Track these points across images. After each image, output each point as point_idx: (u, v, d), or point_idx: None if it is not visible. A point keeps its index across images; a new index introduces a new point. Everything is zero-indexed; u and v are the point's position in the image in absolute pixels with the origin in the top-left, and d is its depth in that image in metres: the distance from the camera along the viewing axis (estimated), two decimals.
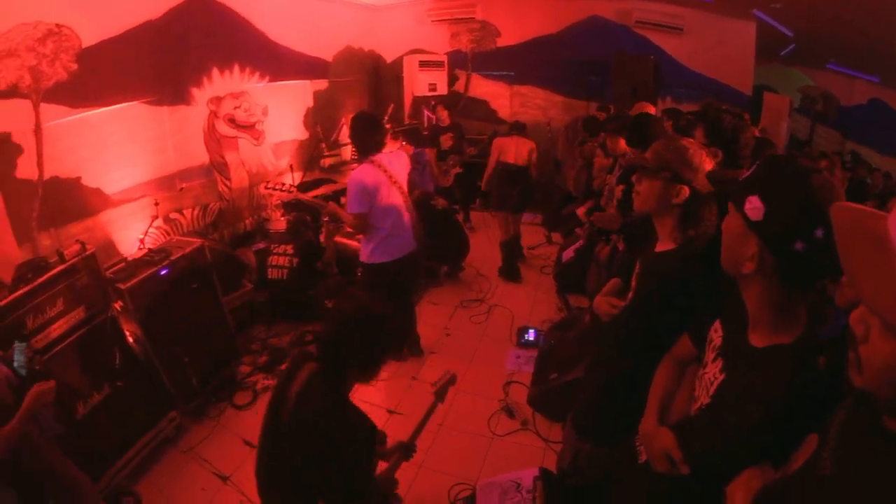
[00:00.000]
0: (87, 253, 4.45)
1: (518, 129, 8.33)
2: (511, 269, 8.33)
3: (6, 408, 3.10)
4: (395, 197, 5.43)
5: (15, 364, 3.32)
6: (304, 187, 8.30)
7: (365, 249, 5.54)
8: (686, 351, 2.38)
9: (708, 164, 2.60)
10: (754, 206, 1.66)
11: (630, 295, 2.90)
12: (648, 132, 4.16)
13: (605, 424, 3.08)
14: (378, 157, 5.33)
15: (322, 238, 7.44)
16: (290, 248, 6.99)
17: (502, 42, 11.59)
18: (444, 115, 9.99)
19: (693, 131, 3.56)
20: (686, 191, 2.53)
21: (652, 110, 6.08)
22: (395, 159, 5.51)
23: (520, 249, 8.76)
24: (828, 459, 1.40)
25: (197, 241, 5.51)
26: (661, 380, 2.44)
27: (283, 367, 3.06)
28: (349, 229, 6.30)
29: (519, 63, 11.55)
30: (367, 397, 5.47)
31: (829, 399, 1.65)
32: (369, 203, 5.21)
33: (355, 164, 8.73)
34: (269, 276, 6.98)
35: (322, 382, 2.74)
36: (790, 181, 1.64)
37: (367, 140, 5.34)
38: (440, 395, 3.64)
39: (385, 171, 5.33)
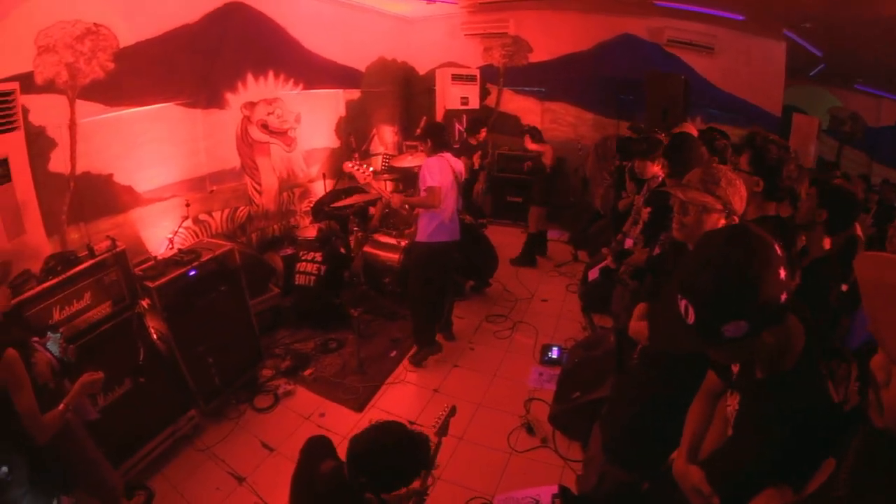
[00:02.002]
0: (118, 249, 4.49)
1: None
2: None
3: (49, 391, 3.17)
4: (454, 187, 6.10)
5: (50, 353, 3.36)
6: (335, 196, 8.34)
7: (426, 229, 5.98)
8: (715, 383, 2.41)
9: (744, 193, 2.70)
10: (735, 328, 1.67)
11: None
12: (687, 155, 4.13)
13: (638, 450, 3.08)
14: (445, 154, 5.97)
15: (352, 246, 7.48)
16: (318, 256, 7.06)
17: (534, 58, 11.55)
18: (482, 137, 9.99)
19: (738, 158, 3.54)
20: (736, 221, 2.63)
21: (693, 131, 6.03)
22: (457, 162, 6.24)
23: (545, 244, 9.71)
24: (844, 482, 1.42)
25: (228, 245, 5.56)
26: (694, 417, 2.47)
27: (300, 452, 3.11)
28: (416, 210, 6.39)
29: (550, 79, 11.51)
30: (389, 407, 5.53)
31: (840, 418, 1.71)
32: (441, 180, 5.83)
33: (386, 175, 8.92)
34: (297, 282, 7.04)
35: (344, 484, 2.78)
36: (743, 295, 1.65)
37: (441, 138, 6.08)
38: (441, 432, 3.62)
39: (450, 165, 6.05)
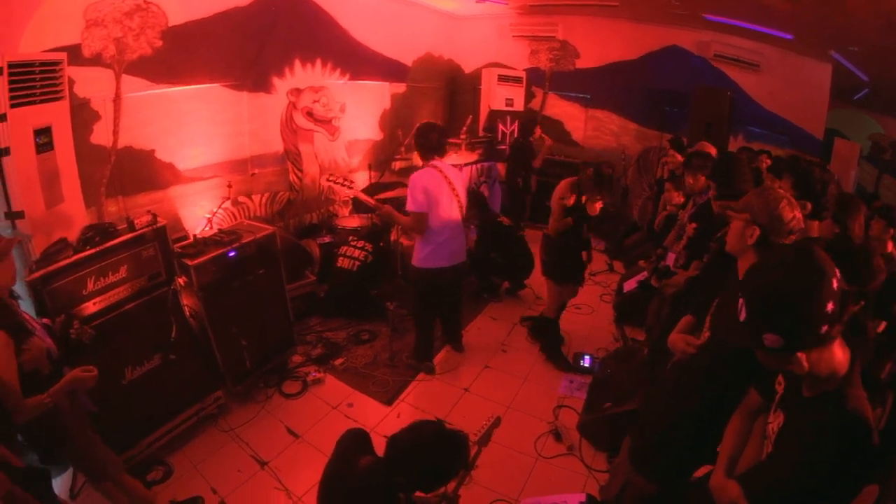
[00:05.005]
0: (158, 225, 4.51)
1: None
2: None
3: (42, 377, 3.17)
4: (454, 205, 5.46)
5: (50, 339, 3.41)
6: (377, 188, 8.35)
7: (419, 253, 5.52)
8: (755, 402, 2.47)
9: (788, 214, 2.71)
10: (772, 339, 1.79)
11: (706, 335, 2.97)
12: (734, 173, 4.06)
13: (664, 463, 3.09)
14: (439, 163, 5.35)
15: (392, 239, 7.46)
16: (369, 246, 7.13)
17: (581, 63, 11.45)
18: (537, 135, 10.09)
19: (780, 180, 3.52)
20: (757, 231, 2.70)
21: (712, 151, 5.91)
22: (455, 171, 5.58)
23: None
24: None
25: (269, 228, 5.55)
26: (731, 434, 2.52)
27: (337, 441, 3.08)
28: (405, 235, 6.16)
29: (596, 86, 11.41)
30: (418, 403, 5.52)
31: (875, 444, 1.80)
32: (428, 203, 5.25)
33: None
34: (338, 264, 7.06)
35: (380, 482, 2.73)
36: (783, 314, 1.78)
37: (427, 142, 5.35)
38: (483, 441, 3.59)
39: (445, 177, 5.37)
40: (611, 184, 5.99)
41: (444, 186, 5.35)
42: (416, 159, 8.98)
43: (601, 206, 5.84)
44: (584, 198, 5.75)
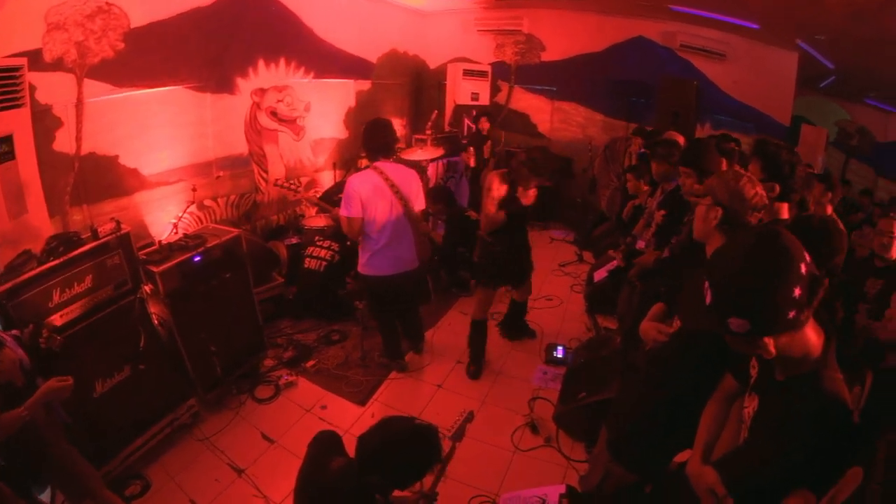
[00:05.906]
0: (122, 232, 4.41)
1: None
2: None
3: (16, 390, 3.11)
4: (396, 209, 5.20)
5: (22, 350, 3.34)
6: (341, 187, 8.32)
7: (360, 258, 5.40)
8: (731, 386, 2.46)
9: (750, 191, 2.70)
10: (738, 324, 1.73)
11: (677, 323, 2.94)
12: (704, 157, 4.06)
13: (641, 451, 3.08)
14: (382, 165, 5.16)
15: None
16: (335, 245, 7.05)
17: (547, 57, 11.50)
18: (485, 127, 10.17)
19: (748, 165, 3.54)
20: (719, 211, 2.67)
21: (681, 140, 5.93)
22: (403, 172, 5.30)
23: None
24: (877, 492, 1.44)
25: (234, 231, 5.48)
26: (707, 420, 2.51)
27: (308, 444, 3.06)
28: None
29: (562, 79, 11.46)
30: (391, 402, 5.50)
31: (854, 425, 1.80)
32: (361, 208, 5.04)
33: None
34: (305, 265, 6.99)
35: (353, 483, 2.72)
36: (748, 299, 1.72)
37: (374, 142, 5.18)
38: (457, 436, 3.59)
39: (387, 179, 5.13)
40: (547, 165, 5.33)
41: (384, 190, 5.11)
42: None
43: (535, 192, 5.27)
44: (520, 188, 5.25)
